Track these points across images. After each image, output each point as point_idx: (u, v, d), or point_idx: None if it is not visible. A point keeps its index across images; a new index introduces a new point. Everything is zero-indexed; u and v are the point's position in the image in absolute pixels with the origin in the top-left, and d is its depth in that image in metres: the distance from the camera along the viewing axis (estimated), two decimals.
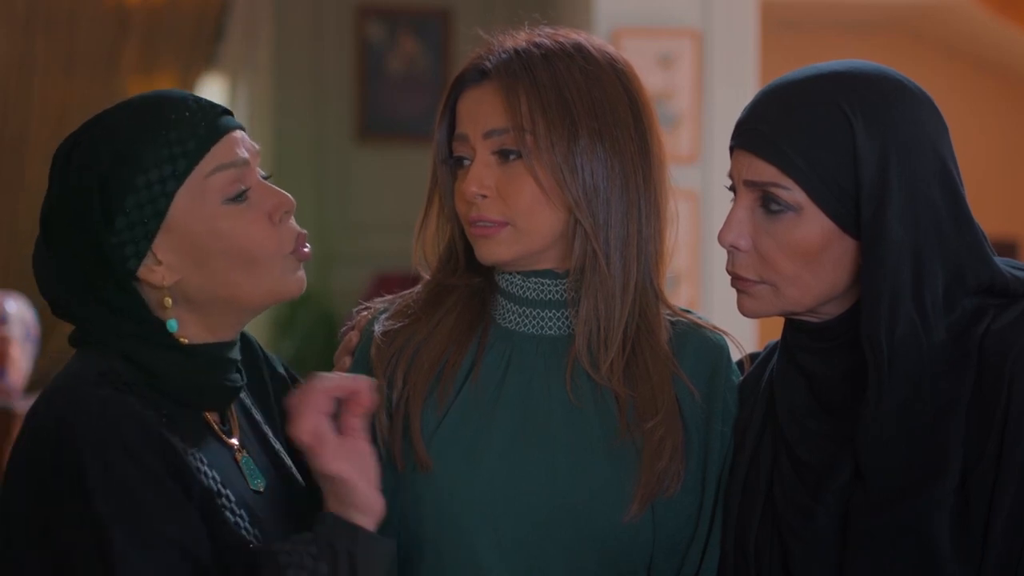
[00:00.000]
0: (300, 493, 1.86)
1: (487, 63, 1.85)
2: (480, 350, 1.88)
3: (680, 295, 4.95)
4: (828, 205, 1.72)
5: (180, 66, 6.57)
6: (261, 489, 1.79)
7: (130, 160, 1.72)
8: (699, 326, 1.91)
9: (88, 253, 1.73)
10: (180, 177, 1.72)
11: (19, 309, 4.74)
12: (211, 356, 1.78)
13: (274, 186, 1.79)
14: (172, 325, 1.74)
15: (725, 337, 1.93)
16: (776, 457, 1.81)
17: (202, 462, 1.72)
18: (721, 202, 5.06)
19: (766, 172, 1.74)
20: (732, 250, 1.78)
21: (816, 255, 1.74)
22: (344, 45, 7.25)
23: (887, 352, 1.69)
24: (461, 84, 1.88)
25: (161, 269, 1.73)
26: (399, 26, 7.23)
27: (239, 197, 1.75)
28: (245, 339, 1.93)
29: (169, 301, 1.74)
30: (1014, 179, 7.38)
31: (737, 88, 5.06)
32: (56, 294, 1.76)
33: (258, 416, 1.91)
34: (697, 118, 5.08)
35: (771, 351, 1.92)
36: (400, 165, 7.09)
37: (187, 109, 1.75)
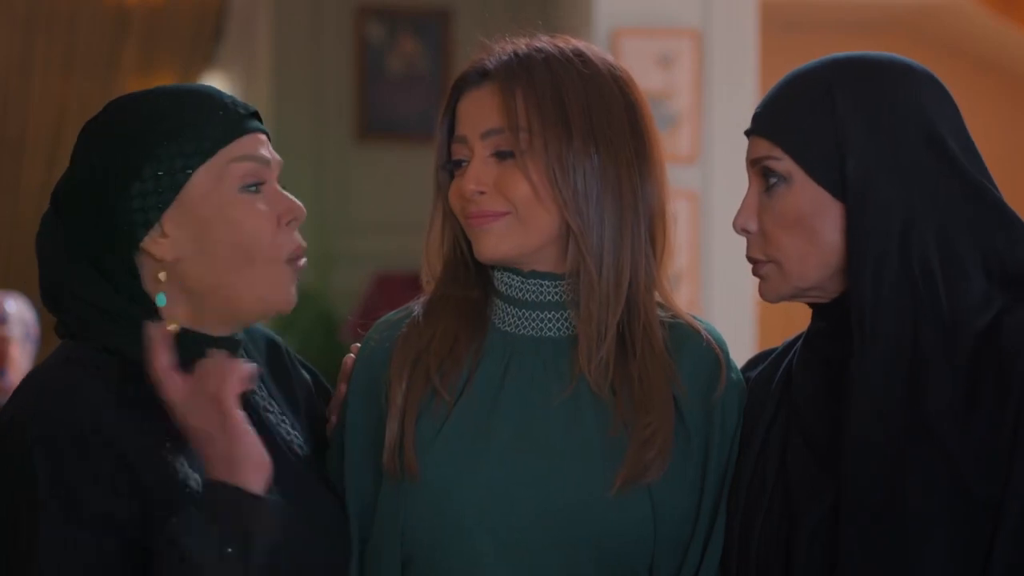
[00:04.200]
0: (296, 482, 1.86)
1: (487, 64, 1.87)
2: (477, 356, 1.88)
3: (680, 295, 4.91)
4: (816, 171, 1.76)
5: (180, 66, 6.57)
6: None
7: (157, 129, 1.74)
8: (697, 330, 1.91)
9: (98, 218, 1.75)
10: (204, 155, 1.75)
11: (19, 309, 4.74)
12: (193, 347, 1.78)
13: (289, 194, 1.81)
14: (160, 299, 1.76)
15: (723, 339, 1.93)
16: (788, 447, 1.81)
17: (173, 451, 1.73)
18: (721, 202, 5.07)
19: (761, 147, 1.81)
20: (744, 234, 1.83)
21: (810, 224, 1.77)
22: (344, 45, 7.25)
23: (870, 311, 1.71)
24: (461, 86, 1.89)
25: (166, 242, 1.76)
26: (399, 26, 7.22)
27: (254, 187, 1.77)
28: (271, 341, 1.97)
29: (163, 275, 1.76)
30: (1015, 179, 7.38)
31: (737, 88, 5.06)
32: (58, 271, 1.77)
33: (268, 407, 1.91)
34: (697, 118, 5.07)
35: (786, 348, 1.92)
36: (400, 165, 7.08)
37: (223, 101, 1.79)
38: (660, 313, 1.90)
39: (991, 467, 1.67)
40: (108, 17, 6.44)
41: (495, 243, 1.85)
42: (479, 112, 1.86)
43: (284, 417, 1.93)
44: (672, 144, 4.99)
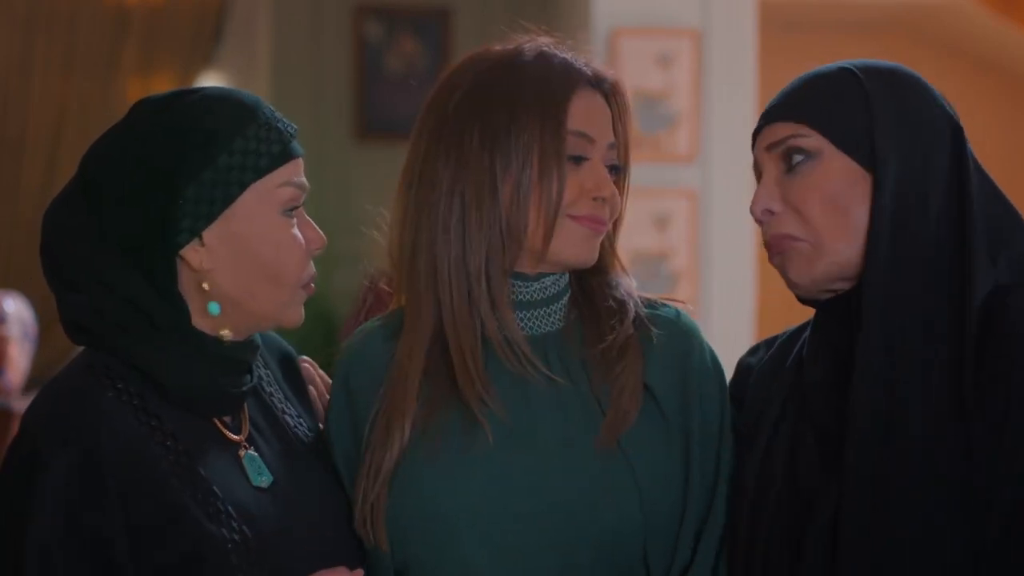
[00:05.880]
0: (315, 485, 1.86)
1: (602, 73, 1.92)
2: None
3: (679, 294, 4.94)
4: (846, 143, 1.77)
5: (180, 66, 6.57)
6: (264, 485, 1.80)
7: (220, 137, 1.75)
8: (662, 313, 1.93)
9: (150, 213, 1.74)
10: (259, 173, 1.77)
11: (17, 308, 4.75)
12: (219, 355, 1.78)
13: (314, 223, 1.85)
14: (214, 308, 1.77)
15: (694, 320, 1.95)
16: (797, 438, 1.81)
17: (188, 457, 1.74)
18: (720, 201, 5.07)
19: (784, 129, 1.81)
20: (765, 216, 1.82)
21: (843, 196, 1.78)
22: (343, 44, 7.25)
23: (883, 287, 1.73)
24: (575, 84, 1.91)
25: (203, 251, 1.76)
26: (398, 25, 7.22)
27: (293, 211, 1.81)
28: (281, 346, 1.98)
29: (207, 285, 1.77)
30: (1015, 179, 7.38)
31: (736, 88, 5.06)
32: (92, 268, 1.75)
33: (286, 409, 1.91)
34: (696, 118, 5.07)
35: (790, 337, 1.92)
36: (400, 165, 7.08)
37: (276, 117, 1.81)
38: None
39: (991, 459, 1.68)
40: (108, 17, 6.44)
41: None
42: (606, 120, 1.90)
43: (301, 420, 1.93)
44: (671, 144, 5.00)
